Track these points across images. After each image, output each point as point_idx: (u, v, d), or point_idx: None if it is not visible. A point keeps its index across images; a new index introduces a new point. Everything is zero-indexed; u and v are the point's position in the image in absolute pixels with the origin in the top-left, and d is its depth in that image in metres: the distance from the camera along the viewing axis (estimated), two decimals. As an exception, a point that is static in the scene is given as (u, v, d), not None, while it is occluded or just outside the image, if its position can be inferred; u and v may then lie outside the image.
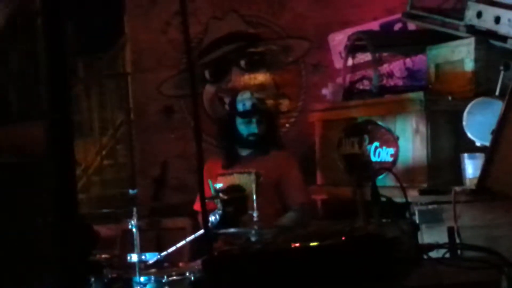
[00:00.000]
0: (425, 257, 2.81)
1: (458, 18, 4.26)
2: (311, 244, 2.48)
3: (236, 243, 3.86)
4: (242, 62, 5.75)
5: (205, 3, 5.79)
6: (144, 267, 3.90)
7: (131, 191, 3.97)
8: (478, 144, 3.84)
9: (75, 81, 8.18)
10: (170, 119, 5.85)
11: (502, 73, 3.84)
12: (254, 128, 4.68)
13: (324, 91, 5.09)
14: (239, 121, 4.71)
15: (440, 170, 4.00)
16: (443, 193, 3.84)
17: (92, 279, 3.71)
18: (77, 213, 1.18)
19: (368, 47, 4.74)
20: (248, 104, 4.70)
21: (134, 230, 3.86)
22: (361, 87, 4.79)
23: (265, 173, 4.31)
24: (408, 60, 5.11)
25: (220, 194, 4.11)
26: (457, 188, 3.78)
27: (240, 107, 4.73)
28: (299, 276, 2.41)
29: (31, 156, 2.18)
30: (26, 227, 2.36)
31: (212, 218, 4.01)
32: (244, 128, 4.70)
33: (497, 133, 3.59)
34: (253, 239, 3.81)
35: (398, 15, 5.07)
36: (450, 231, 3.27)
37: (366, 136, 4.35)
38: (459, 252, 3.07)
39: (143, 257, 3.91)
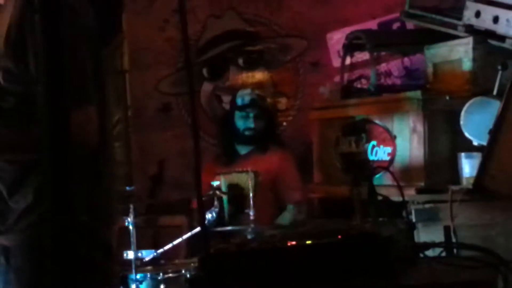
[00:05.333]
0: (421, 256, 2.81)
1: (457, 17, 4.26)
2: (307, 242, 2.48)
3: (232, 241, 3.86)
4: (240, 60, 5.75)
5: (203, 1, 5.78)
6: (140, 264, 3.91)
7: (128, 188, 3.98)
8: (475, 143, 3.84)
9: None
10: (167, 117, 5.85)
11: (500, 72, 3.84)
12: (251, 123, 4.72)
13: (322, 90, 5.09)
14: (237, 116, 4.76)
15: (437, 169, 4.00)
16: (440, 192, 3.84)
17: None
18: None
19: (366, 46, 4.74)
20: (247, 99, 4.77)
21: (130, 227, 3.86)
22: (359, 86, 4.79)
23: (262, 172, 4.33)
24: (406, 59, 5.11)
25: (217, 192, 4.11)
26: (454, 187, 3.78)
27: (239, 101, 4.78)
28: (295, 274, 2.41)
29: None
30: None
31: (209, 216, 4.01)
32: (242, 122, 4.75)
33: (495, 133, 3.59)
34: (249, 237, 3.82)
35: (396, 14, 5.06)
36: (447, 230, 3.27)
37: (363, 135, 4.33)
38: (455, 251, 3.07)
39: (139, 254, 3.92)
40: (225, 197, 4.17)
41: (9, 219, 2.22)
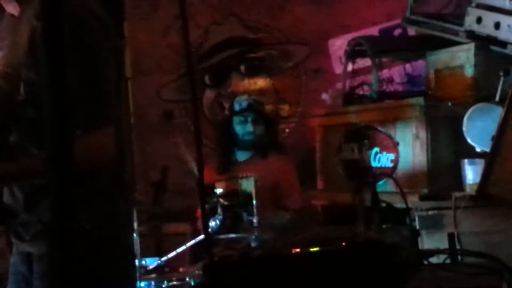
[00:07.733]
0: (426, 263, 2.81)
1: (458, 23, 4.26)
2: (312, 249, 2.48)
3: (236, 248, 3.86)
4: (242, 67, 5.75)
5: (205, 8, 5.79)
6: (144, 272, 3.90)
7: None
8: (478, 150, 3.85)
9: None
10: (170, 124, 5.85)
11: (502, 78, 3.84)
12: (249, 127, 4.74)
13: (324, 96, 5.09)
14: (235, 121, 4.78)
15: (440, 176, 4.00)
16: (444, 198, 3.84)
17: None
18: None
19: (368, 53, 4.74)
20: (245, 104, 4.79)
21: (134, 235, 3.86)
22: (361, 92, 4.79)
23: (263, 177, 4.32)
24: (408, 65, 5.11)
25: (221, 200, 4.11)
26: (458, 194, 3.78)
27: (236, 107, 4.80)
28: (299, 281, 2.41)
29: None
30: None
31: (212, 224, 4.01)
32: (240, 128, 4.76)
33: (497, 139, 3.59)
34: (253, 244, 3.82)
35: (398, 21, 5.07)
36: (451, 237, 3.27)
37: (366, 142, 4.35)
38: (459, 258, 3.07)
39: (143, 262, 3.91)
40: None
41: (33, 228, 2.22)
